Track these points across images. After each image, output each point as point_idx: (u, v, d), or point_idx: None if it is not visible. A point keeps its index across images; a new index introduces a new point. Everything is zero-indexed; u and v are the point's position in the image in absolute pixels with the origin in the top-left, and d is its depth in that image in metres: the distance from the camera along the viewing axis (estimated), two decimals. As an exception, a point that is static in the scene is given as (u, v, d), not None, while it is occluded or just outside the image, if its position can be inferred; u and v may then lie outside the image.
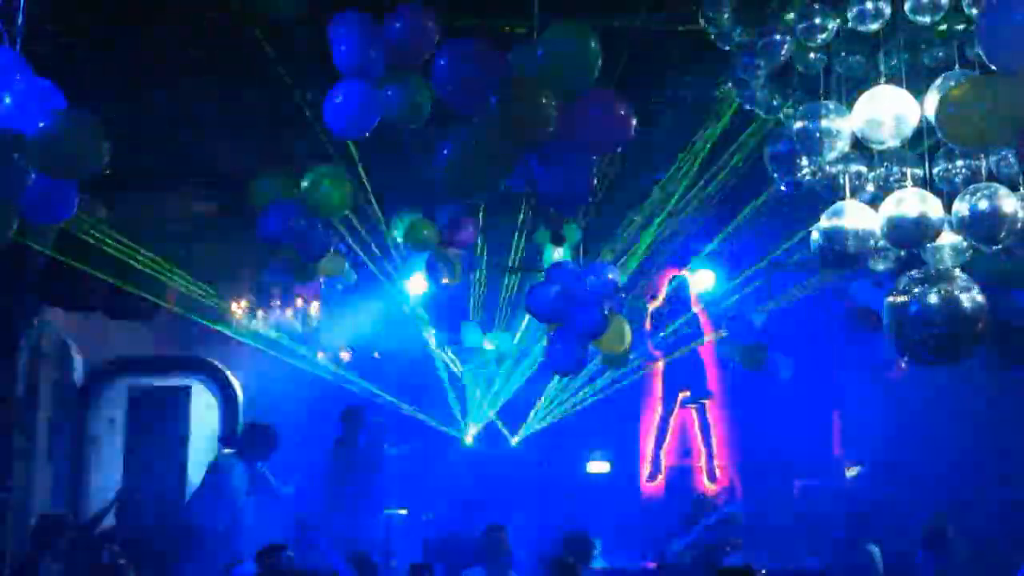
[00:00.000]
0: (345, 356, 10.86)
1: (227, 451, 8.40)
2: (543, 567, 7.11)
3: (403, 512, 9.91)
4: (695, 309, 10.76)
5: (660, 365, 10.91)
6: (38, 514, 7.96)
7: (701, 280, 10.46)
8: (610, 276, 6.59)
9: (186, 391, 9.70)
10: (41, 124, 4.07)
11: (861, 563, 7.75)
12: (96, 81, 5.40)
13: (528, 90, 3.74)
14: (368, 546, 8.76)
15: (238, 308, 10.27)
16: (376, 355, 10.08)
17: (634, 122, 3.92)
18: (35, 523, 7.51)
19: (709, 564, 8.05)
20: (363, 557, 7.25)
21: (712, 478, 10.88)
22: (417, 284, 9.17)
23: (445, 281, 8.33)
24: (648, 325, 10.68)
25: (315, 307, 9.71)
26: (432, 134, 4.55)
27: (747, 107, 5.94)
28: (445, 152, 3.91)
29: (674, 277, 10.76)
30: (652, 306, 10.87)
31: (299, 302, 10.50)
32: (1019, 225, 4.76)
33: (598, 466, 11.25)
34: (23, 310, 7.97)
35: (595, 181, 3.89)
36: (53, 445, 8.82)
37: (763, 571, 6.59)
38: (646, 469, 11.06)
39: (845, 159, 5.46)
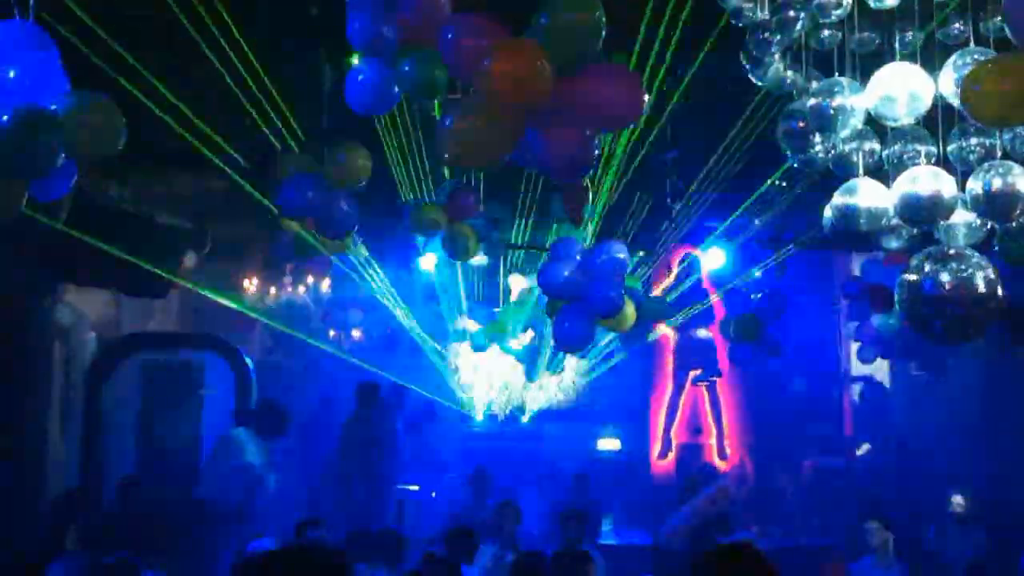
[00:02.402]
0: (356, 334, 10.89)
1: (239, 427, 8.40)
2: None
3: (414, 488, 9.96)
4: (707, 287, 10.74)
5: (671, 343, 10.91)
6: (65, 488, 8.00)
7: (712, 259, 10.43)
8: (620, 255, 6.57)
9: (200, 367, 9.72)
10: (58, 105, 3.92)
11: (871, 542, 7.73)
12: (108, 59, 5.37)
13: (522, 53, 3.63)
14: (379, 522, 8.80)
15: (250, 285, 10.31)
16: (389, 330, 10.06)
17: (645, 98, 3.84)
18: (58, 498, 7.49)
19: (705, 542, 7.80)
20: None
21: (722, 456, 10.89)
22: (429, 262, 9.14)
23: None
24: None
25: (325, 284, 9.66)
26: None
27: (760, 84, 5.90)
28: (447, 123, 3.81)
29: (686, 255, 10.72)
30: (663, 284, 10.85)
31: (309, 279, 10.53)
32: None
33: (608, 443, 11.28)
34: (35, 286, 7.96)
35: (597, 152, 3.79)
36: (66, 422, 8.86)
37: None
38: (656, 447, 11.08)
39: (859, 136, 5.44)
